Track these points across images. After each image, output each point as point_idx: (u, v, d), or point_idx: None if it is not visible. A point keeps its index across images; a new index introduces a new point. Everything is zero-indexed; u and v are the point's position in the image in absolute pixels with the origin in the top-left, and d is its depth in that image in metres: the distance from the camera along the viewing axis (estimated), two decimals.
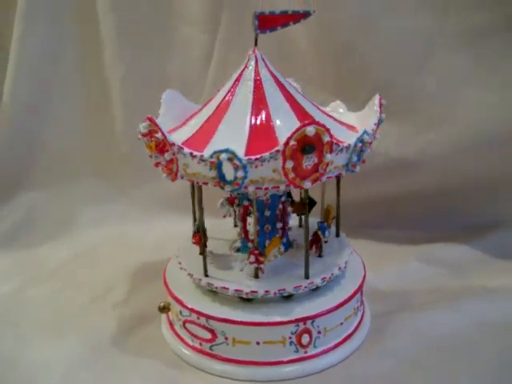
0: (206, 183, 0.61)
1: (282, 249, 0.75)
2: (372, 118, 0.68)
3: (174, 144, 0.59)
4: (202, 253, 0.70)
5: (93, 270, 0.98)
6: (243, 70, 0.68)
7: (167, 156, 0.60)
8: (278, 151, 0.56)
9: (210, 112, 0.68)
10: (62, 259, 1.03)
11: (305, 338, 0.65)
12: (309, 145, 0.56)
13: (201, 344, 0.68)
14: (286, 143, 0.56)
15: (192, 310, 0.67)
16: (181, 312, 0.70)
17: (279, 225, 0.74)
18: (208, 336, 0.67)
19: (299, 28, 0.98)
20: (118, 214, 1.20)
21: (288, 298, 0.67)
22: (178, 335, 0.72)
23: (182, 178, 0.63)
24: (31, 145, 1.21)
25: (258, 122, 0.64)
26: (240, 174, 0.57)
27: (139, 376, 0.67)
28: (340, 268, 0.71)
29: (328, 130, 0.56)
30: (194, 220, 0.78)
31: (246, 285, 0.66)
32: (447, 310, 0.77)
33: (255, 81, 0.67)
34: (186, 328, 0.70)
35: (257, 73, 0.68)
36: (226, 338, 0.66)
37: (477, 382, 0.63)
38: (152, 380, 0.67)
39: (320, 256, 0.73)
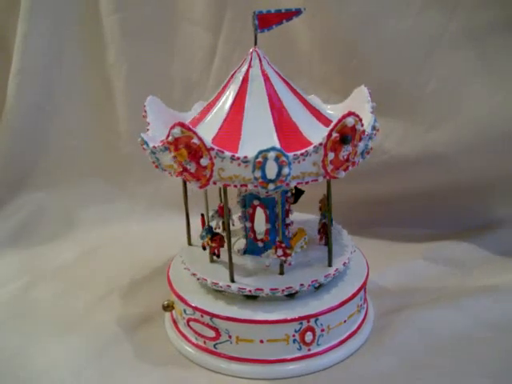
0: (245, 185, 0.60)
1: (307, 239, 0.74)
2: (362, 107, 0.68)
3: (212, 148, 0.57)
4: (229, 258, 0.67)
5: (96, 269, 0.98)
6: (248, 68, 0.68)
7: (203, 162, 0.58)
8: (320, 144, 0.57)
9: (225, 113, 0.66)
10: (66, 259, 1.04)
11: (308, 336, 0.65)
12: (348, 135, 0.58)
13: (205, 342, 0.69)
14: (329, 135, 0.57)
15: (196, 309, 0.68)
16: (185, 310, 0.70)
17: (288, 220, 0.75)
18: (212, 334, 0.67)
19: (302, 28, 0.99)
20: (122, 214, 1.20)
21: (291, 295, 0.67)
22: (181, 333, 0.73)
23: (215, 183, 0.60)
24: (35, 145, 1.22)
25: (280, 119, 0.64)
26: (286, 170, 0.56)
27: (143, 374, 0.67)
28: (351, 251, 0.73)
29: (361, 120, 0.58)
30: (188, 223, 0.78)
31: (278, 283, 0.66)
32: (451, 308, 0.77)
33: (264, 78, 0.67)
34: (189, 326, 0.70)
35: (263, 71, 0.68)
36: (230, 336, 0.66)
37: (483, 381, 0.63)
38: (156, 378, 0.67)
39: (326, 245, 0.75)
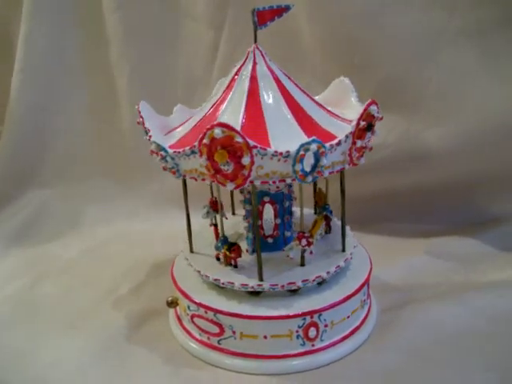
0: (283, 180, 0.59)
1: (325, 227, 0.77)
2: (346, 97, 0.71)
3: (255, 146, 0.56)
4: (258, 258, 0.66)
5: (102, 267, 0.99)
6: (254, 65, 0.68)
7: (244, 161, 0.56)
8: (350, 133, 0.59)
9: (242, 110, 0.65)
10: (72, 256, 1.05)
11: (312, 332, 0.66)
12: (372, 123, 0.61)
13: (209, 338, 0.69)
14: (358, 124, 0.59)
15: (200, 305, 0.68)
16: (189, 307, 0.70)
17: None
18: (216, 330, 0.67)
19: (305, 25, 0.99)
20: (126, 211, 1.21)
21: (295, 291, 0.68)
22: (186, 330, 0.73)
23: (252, 182, 0.59)
24: (40, 143, 1.23)
25: (298, 114, 0.65)
26: (324, 161, 0.57)
27: (148, 370, 0.68)
28: (353, 235, 0.77)
29: (379, 107, 0.61)
30: (188, 221, 0.76)
31: (303, 274, 0.67)
32: (455, 303, 0.77)
33: (273, 75, 0.68)
34: (193, 322, 0.70)
35: (269, 67, 0.68)
36: (234, 332, 0.66)
37: (485, 376, 0.63)
38: (160, 374, 0.67)
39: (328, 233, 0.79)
